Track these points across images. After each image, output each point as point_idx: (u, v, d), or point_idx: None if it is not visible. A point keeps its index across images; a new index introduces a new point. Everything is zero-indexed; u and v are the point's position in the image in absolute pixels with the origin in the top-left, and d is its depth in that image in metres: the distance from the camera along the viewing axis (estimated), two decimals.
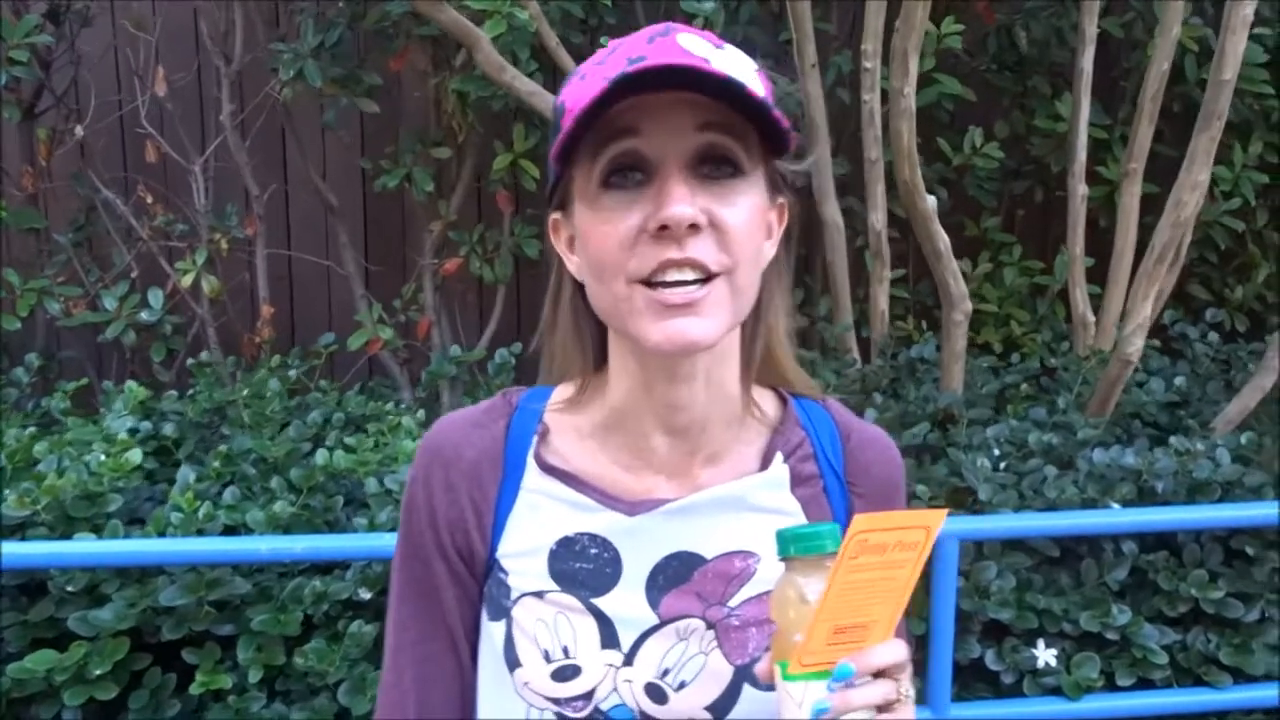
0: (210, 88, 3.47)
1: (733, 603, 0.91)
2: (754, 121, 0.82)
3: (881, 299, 3.05)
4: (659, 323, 0.82)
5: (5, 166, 3.40)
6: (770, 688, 0.80)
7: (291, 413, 2.82)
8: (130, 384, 2.65)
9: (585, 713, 0.89)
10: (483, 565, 0.93)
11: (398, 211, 3.70)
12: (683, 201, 0.80)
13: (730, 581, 0.91)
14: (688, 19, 2.86)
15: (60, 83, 3.37)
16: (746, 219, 0.84)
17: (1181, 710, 2.23)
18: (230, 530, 2.20)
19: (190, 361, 3.05)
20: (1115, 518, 2.24)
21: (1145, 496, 2.33)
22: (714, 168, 0.83)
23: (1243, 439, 2.52)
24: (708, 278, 0.82)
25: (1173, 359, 3.23)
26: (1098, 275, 3.20)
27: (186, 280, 3.21)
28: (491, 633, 0.93)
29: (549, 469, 0.93)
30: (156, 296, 3.25)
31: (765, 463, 0.95)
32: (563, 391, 0.97)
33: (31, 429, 2.55)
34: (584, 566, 0.91)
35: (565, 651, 0.90)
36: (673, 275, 0.81)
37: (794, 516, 0.94)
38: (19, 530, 2.15)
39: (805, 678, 0.77)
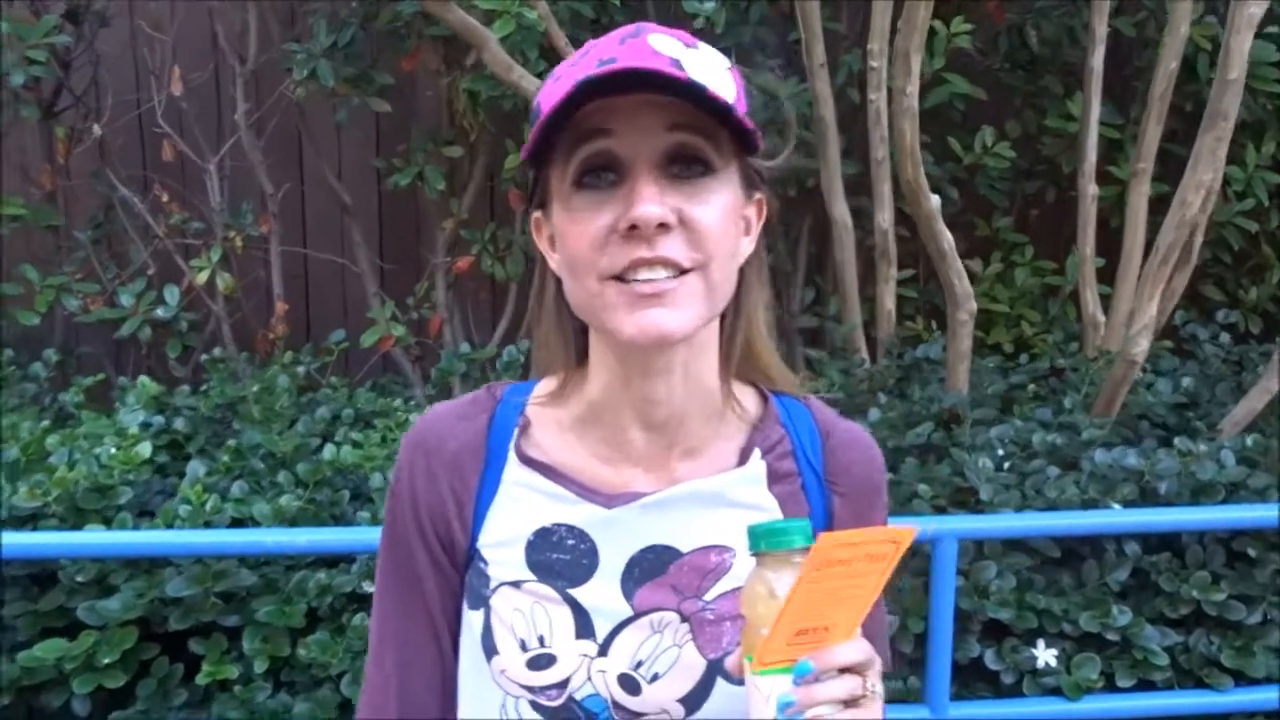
0: (226, 87, 3.51)
1: (708, 597, 0.92)
2: (722, 122, 0.83)
3: (888, 298, 3.05)
4: (632, 315, 0.83)
5: (25, 164, 3.45)
6: (741, 682, 0.81)
7: (302, 408, 2.85)
8: (143, 379, 2.69)
9: (559, 701, 0.91)
10: (463, 555, 0.95)
11: (411, 210, 3.73)
12: (651, 201, 0.81)
13: (705, 576, 0.92)
14: (689, 19, 2.88)
15: (79, 82, 3.42)
16: (718, 216, 0.85)
17: (1182, 712, 2.22)
18: (238, 523, 2.23)
19: (204, 357, 3.09)
20: (1112, 518, 2.23)
21: (1148, 498, 2.32)
22: (685, 167, 0.84)
23: (1249, 441, 2.51)
24: (681, 273, 0.84)
25: (1184, 360, 3.21)
26: (1110, 276, 3.19)
27: (202, 277, 3.26)
28: (471, 622, 0.94)
29: (529, 461, 0.95)
30: (172, 293, 3.30)
31: (743, 458, 0.96)
32: (545, 386, 0.98)
33: (45, 422, 2.59)
34: (561, 557, 0.92)
35: (541, 641, 0.91)
36: (644, 274, 0.83)
37: (770, 512, 0.95)
38: (30, 521, 2.19)
39: (771, 673, 0.79)
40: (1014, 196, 3.69)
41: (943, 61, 3.24)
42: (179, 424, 2.65)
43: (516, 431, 0.96)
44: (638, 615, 0.91)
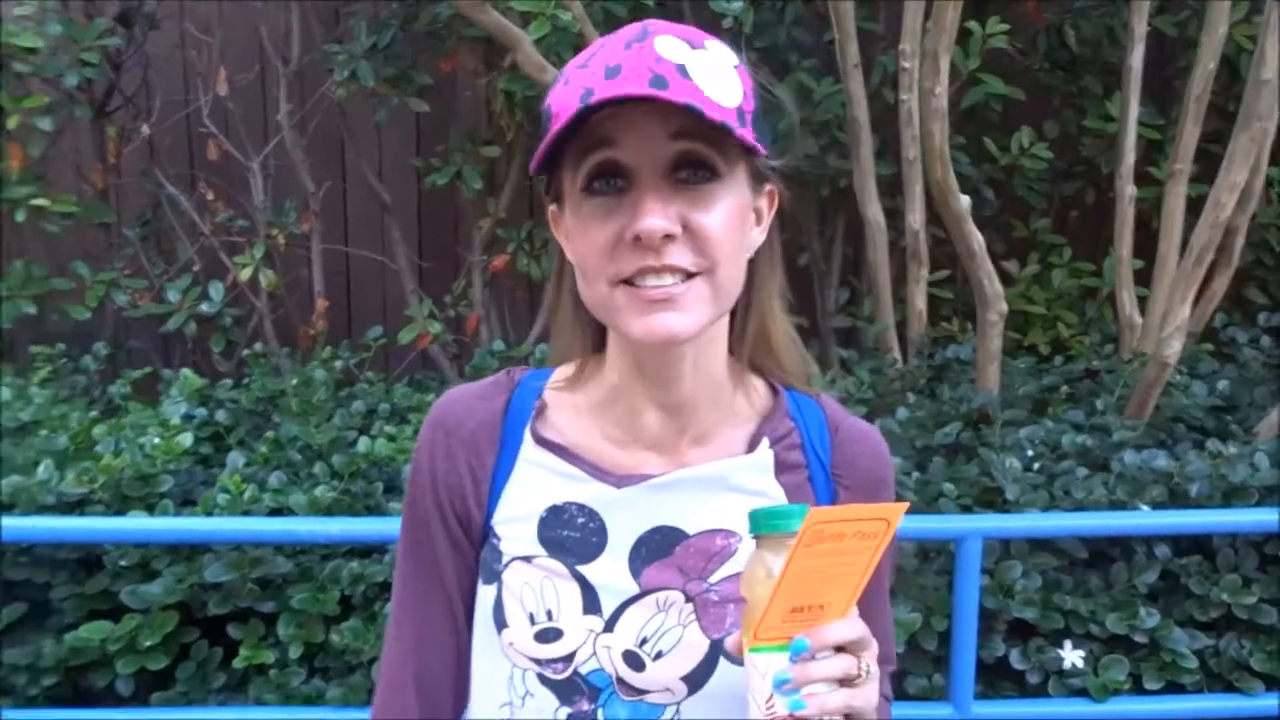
0: (270, 88, 3.59)
1: (713, 579, 0.94)
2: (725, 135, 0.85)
3: (919, 298, 3.04)
4: (641, 318, 0.86)
5: (79, 163, 3.55)
6: (740, 662, 0.84)
7: (340, 403, 2.91)
8: (186, 372, 2.76)
9: (565, 674, 0.94)
10: (479, 532, 0.99)
11: (449, 209, 3.78)
12: (654, 214, 0.84)
13: (711, 558, 0.95)
14: (718, 19, 2.89)
15: (129, 83, 3.51)
16: (723, 221, 0.87)
17: (1209, 715, 2.20)
18: (275, 512, 2.29)
19: (246, 352, 3.16)
20: (1138, 519, 2.22)
21: (1177, 500, 2.30)
22: (690, 173, 0.86)
23: None
24: (688, 277, 0.86)
25: (1224, 363, 3.17)
26: (1148, 278, 3.16)
27: (245, 274, 3.33)
28: (484, 596, 0.98)
29: (543, 442, 0.98)
30: (217, 289, 3.37)
31: (752, 447, 0.98)
32: (563, 371, 1.02)
33: (94, 413, 2.67)
34: (571, 534, 0.95)
35: (549, 615, 0.94)
36: (652, 280, 0.85)
37: (776, 500, 0.97)
38: (78, 507, 2.27)
39: (768, 650, 0.81)
40: (1052, 197, 3.67)
41: (978, 62, 3.22)
42: (221, 416, 2.72)
43: (533, 414, 0.99)
44: (644, 593, 0.94)
